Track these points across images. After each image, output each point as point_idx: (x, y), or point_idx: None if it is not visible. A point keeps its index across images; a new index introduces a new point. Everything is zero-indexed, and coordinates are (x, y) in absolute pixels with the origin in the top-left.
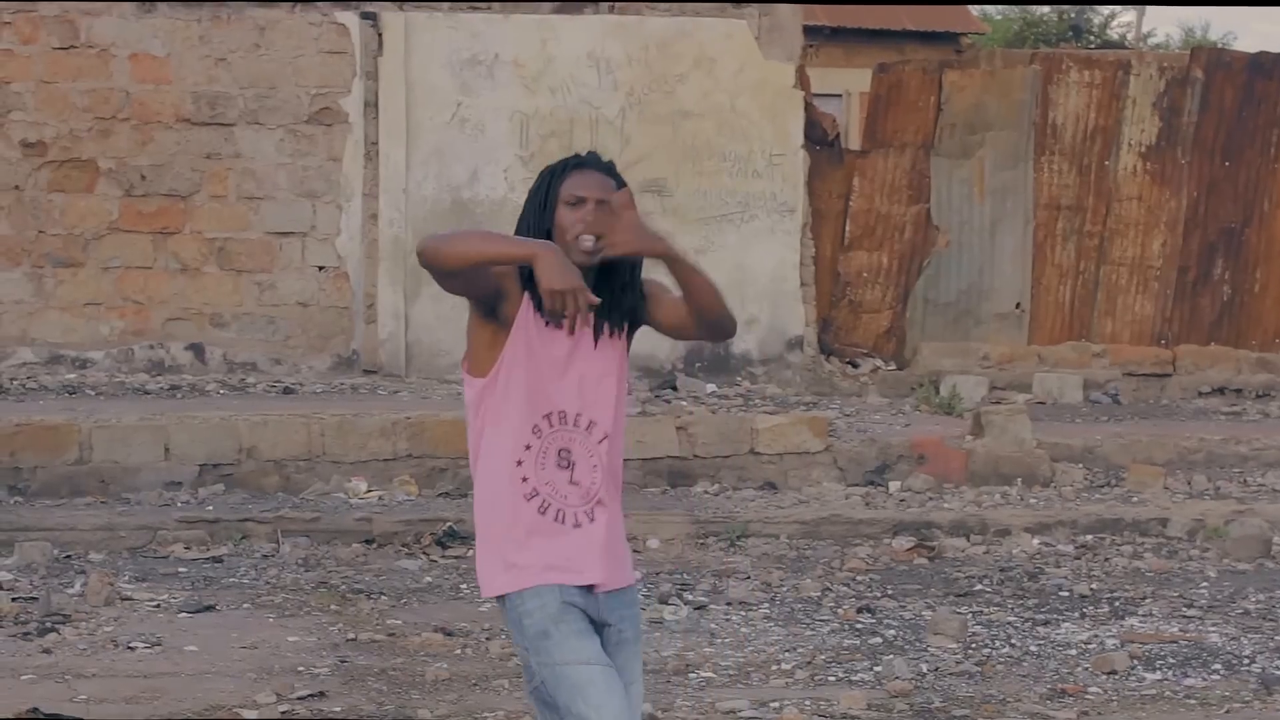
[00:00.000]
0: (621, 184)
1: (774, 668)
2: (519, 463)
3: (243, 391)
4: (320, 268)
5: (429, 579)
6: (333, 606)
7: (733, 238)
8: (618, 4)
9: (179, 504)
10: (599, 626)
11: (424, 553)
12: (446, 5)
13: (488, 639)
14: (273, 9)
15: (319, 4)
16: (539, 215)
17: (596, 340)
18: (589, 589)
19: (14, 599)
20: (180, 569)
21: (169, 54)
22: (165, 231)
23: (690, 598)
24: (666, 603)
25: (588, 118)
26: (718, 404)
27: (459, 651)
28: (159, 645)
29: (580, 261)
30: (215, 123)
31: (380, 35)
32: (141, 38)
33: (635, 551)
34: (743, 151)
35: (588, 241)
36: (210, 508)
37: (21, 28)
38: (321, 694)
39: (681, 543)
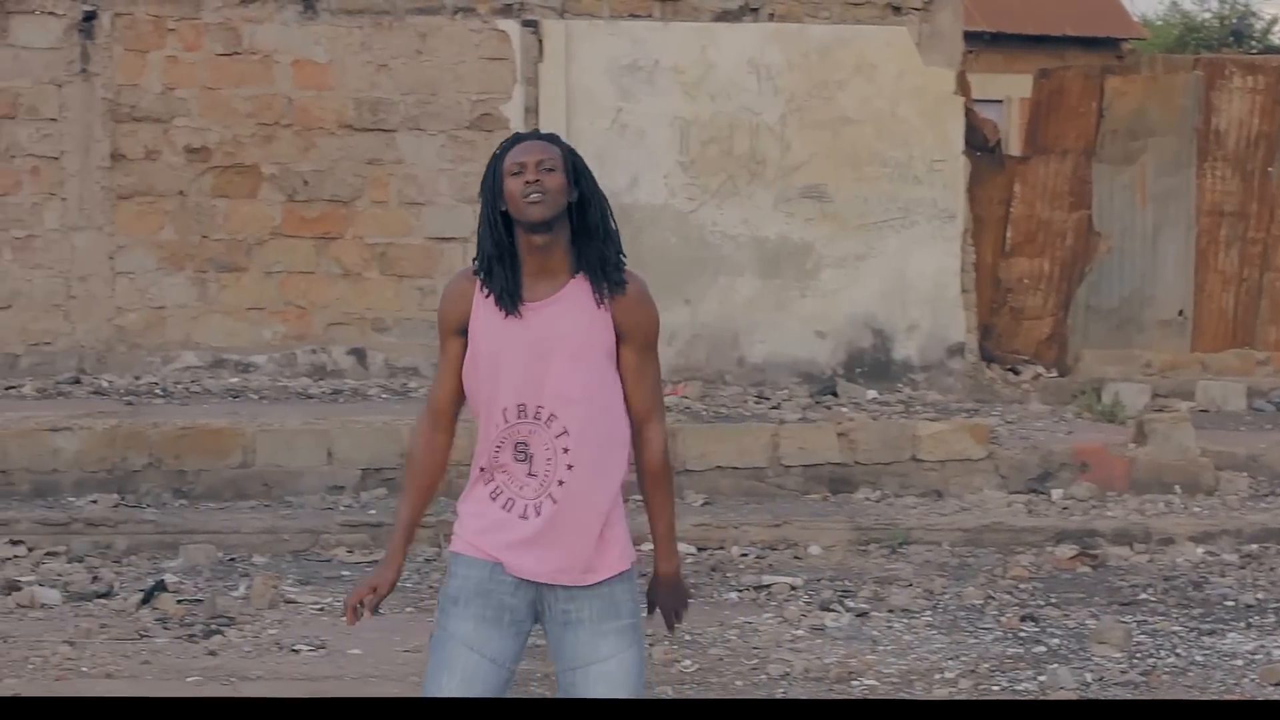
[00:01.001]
0: (568, 148)
1: (937, 676)
2: (489, 453)
3: (404, 396)
4: None
5: None
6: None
7: (893, 244)
8: (778, 12)
9: (341, 508)
10: (535, 612)
11: None
12: (607, 13)
13: (651, 644)
14: (434, 16)
15: (480, 11)
16: (491, 198)
17: (598, 305)
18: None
19: (179, 601)
20: (343, 572)
21: (331, 60)
22: (327, 237)
23: (852, 604)
24: (828, 609)
25: (748, 123)
26: (879, 410)
27: None
28: (323, 648)
29: (533, 215)
30: (377, 129)
31: (541, 41)
32: (304, 44)
33: (796, 558)
34: (903, 157)
35: (535, 197)
36: (372, 511)
37: (186, 35)
38: None
39: (843, 549)
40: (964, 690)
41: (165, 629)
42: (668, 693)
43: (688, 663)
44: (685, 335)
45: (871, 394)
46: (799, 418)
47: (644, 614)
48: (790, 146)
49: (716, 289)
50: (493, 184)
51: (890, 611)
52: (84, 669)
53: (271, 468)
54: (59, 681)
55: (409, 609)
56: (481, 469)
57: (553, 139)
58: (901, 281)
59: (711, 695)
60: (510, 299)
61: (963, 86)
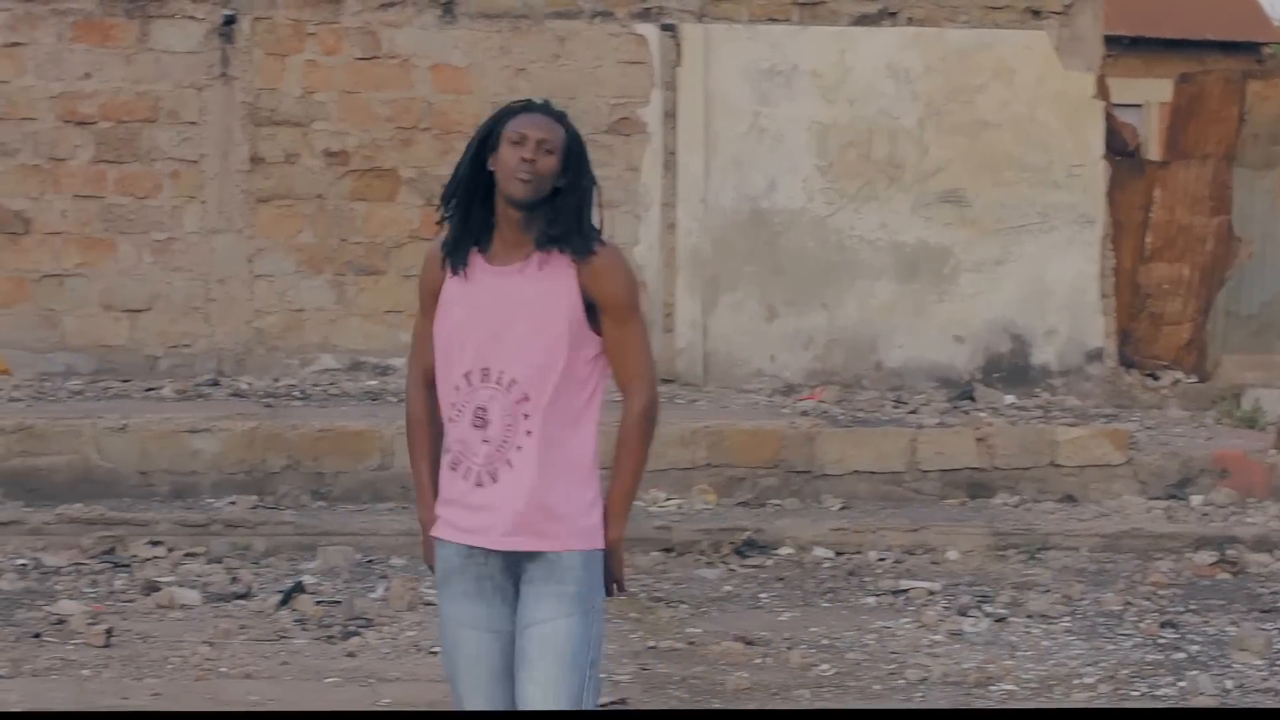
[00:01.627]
0: (574, 133)
1: (1076, 682)
2: (448, 419)
3: None
4: None
5: (728, 588)
6: (632, 614)
7: (1032, 248)
8: (916, 16)
9: None
10: (514, 574)
11: (723, 561)
12: (746, 17)
13: (788, 648)
14: (573, 20)
15: (618, 15)
16: (479, 150)
17: (539, 269)
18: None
19: (317, 602)
20: None
21: (469, 65)
22: None
23: (990, 610)
24: (966, 614)
25: (886, 128)
26: (1017, 415)
27: (759, 661)
28: None
29: (516, 192)
30: None
31: (679, 45)
32: (443, 48)
33: (934, 563)
34: (1042, 162)
35: (524, 174)
36: None
37: (325, 39)
38: (623, 701)
39: (981, 554)
40: (1103, 696)
41: (304, 630)
42: (805, 696)
43: (825, 667)
44: (822, 339)
45: (1009, 399)
46: (937, 422)
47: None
48: (928, 151)
49: (854, 293)
50: (486, 138)
51: (1029, 617)
52: (223, 669)
53: (409, 470)
54: (198, 682)
55: None
56: (445, 435)
57: (561, 118)
58: (1040, 286)
59: (849, 700)
60: (462, 257)
61: (1102, 91)
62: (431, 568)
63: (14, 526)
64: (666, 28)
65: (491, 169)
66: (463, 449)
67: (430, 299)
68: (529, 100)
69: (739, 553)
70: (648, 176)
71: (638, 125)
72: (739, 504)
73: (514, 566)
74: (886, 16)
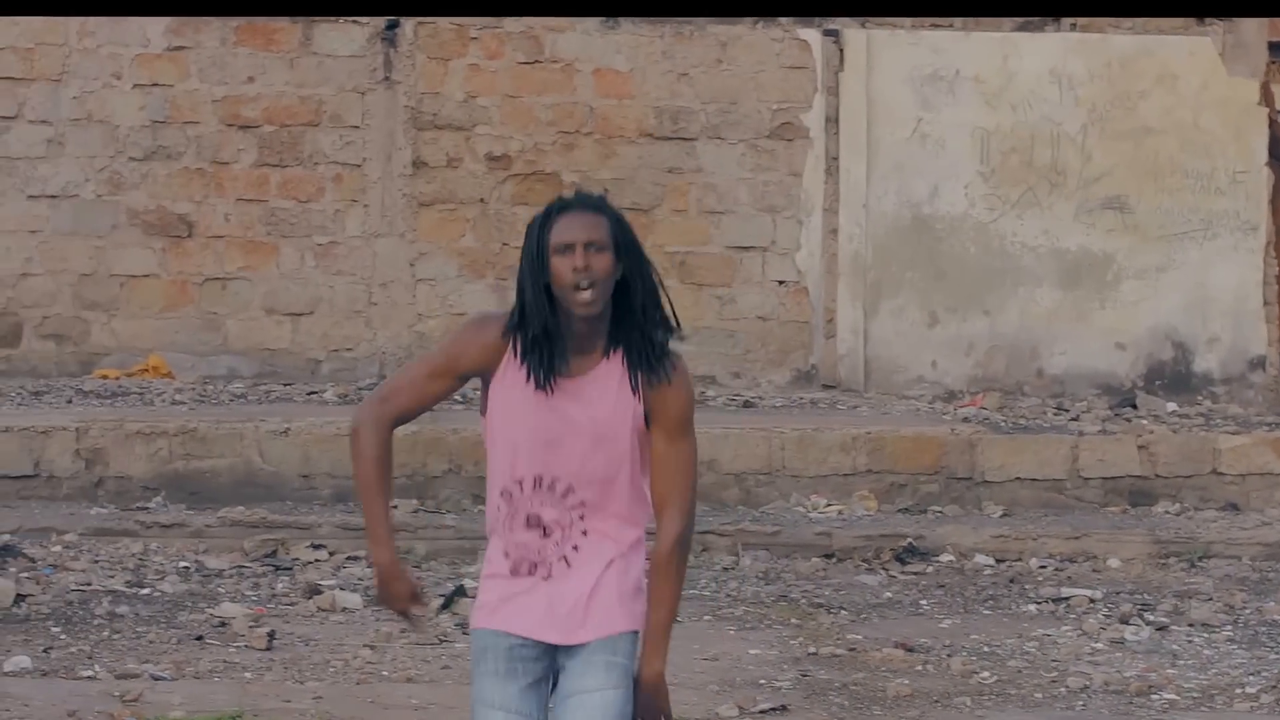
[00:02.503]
0: (615, 217)
1: (1238, 691)
2: (495, 519)
3: (702, 404)
4: (780, 282)
5: (889, 594)
6: (793, 620)
7: (1194, 255)
8: (1080, 22)
9: None
10: (550, 656)
11: (884, 568)
12: (908, 23)
13: (949, 655)
14: (735, 25)
15: (781, 20)
16: (535, 270)
17: (633, 392)
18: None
19: None
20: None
21: (632, 69)
22: None
23: (1151, 618)
24: (1127, 623)
25: (1048, 134)
26: (1178, 423)
27: (920, 668)
28: None
29: (584, 314)
30: (677, 137)
31: (842, 50)
32: (605, 53)
33: (1095, 571)
34: (1205, 169)
35: (585, 293)
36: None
37: (488, 43)
38: (784, 708)
39: (1142, 562)
40: (1265, 706)
41: (464, 634)
42: (966, 704)
43: (986, 674)
44: (984, 346)
45: (1171, 407)
46: (1098, 430)
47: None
48: (1091, 157)
49: (1016, 300)
50: (536, 257)
51: (1190, 625)
52: (384, 673)
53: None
54: (360, 685)
55: (707, 616)
56: (495, 532)
57: (599, 207)
58: (1202, 294)
59: (1010, 708)
60: (548, 379)
61: (1266, 97)
62: (386, 605)
63: (177, 529)
64: (829, 33)
65: (548, 284)
66: (522, 550)
67: (452, 372)
68: (561, 198)
69: (900, 559)
70: (810, 182)
71: (800, 130)
72: (900, 510)
73: (555, 658)
74: (1050, 22)
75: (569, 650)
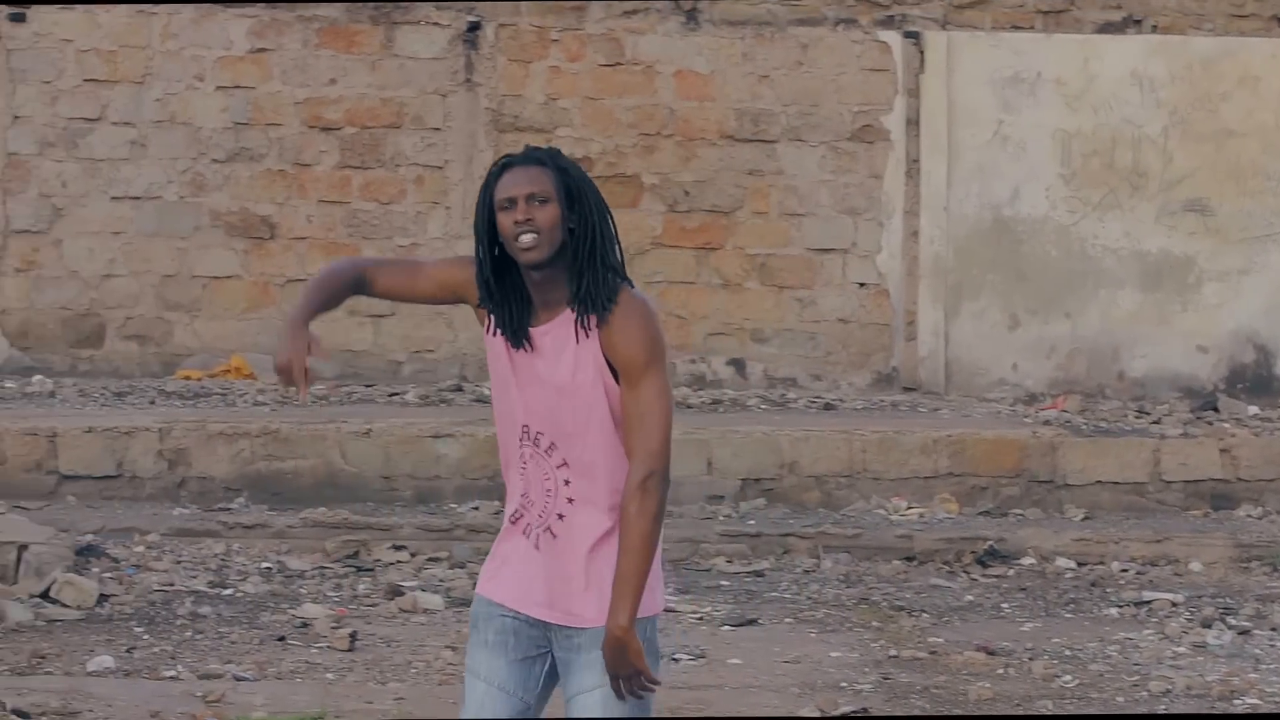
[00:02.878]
0: (561, 168)
1: None
2: (509, 469)
3: (783, 407)
4: (861, 285)
5: (970, 597)
6: (874, 623)
7: (1276, 258)
8: (1161, 24)
9: (720, 518)
10: (545, 639)
11: (965, 571)
12: (989, 24)
13: (1030, 659)
14: (816, 27)
15: (861, 22)
16: (482, 228)
17: (583, 338)
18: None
19: None
20: (722, 582)
21: (712, 71)
22: (707, 247)
23: (1234, 622)
24: (1209, 626)
25: (1129, 136)
26: (1261, 426)
27: (1001, 671)
28: (703, 658)
29: (529, 260)
30: (758, 140)
31: (922, 53)
32: (686, 55)
33: (1176, 574)
34: None
35: (527, 239)
36: (752, 522)
37: (569, 45)
38: (864, 711)
39: (1224, 566)
40: None
41: None
42: (1048, 707)
43: (1068, 678)
44: (1065, 348)
45: (1253, 409)
46: (1180, 433)
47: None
48: (1172, 159)
49: (1097, 302)
50: (485, 217)
51: (1273, 630)
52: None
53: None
54: (441, 686)
55: (788, 619)
56: (511, 485)
57: (542, 159)
58: None
59: (1092, 711)
60: (515, 336)
61: None
62: (279, 371)
63: (259, 530)
64: (910, 35)
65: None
66: (524, 504)
67: (452, 289)
68: (508, 155)
69: (981, 562)
70: (890, 184)
71: (880, 133)
72: (981, 513)
73: (550, 631)
74: (1131, 24)
75: (566, 632)
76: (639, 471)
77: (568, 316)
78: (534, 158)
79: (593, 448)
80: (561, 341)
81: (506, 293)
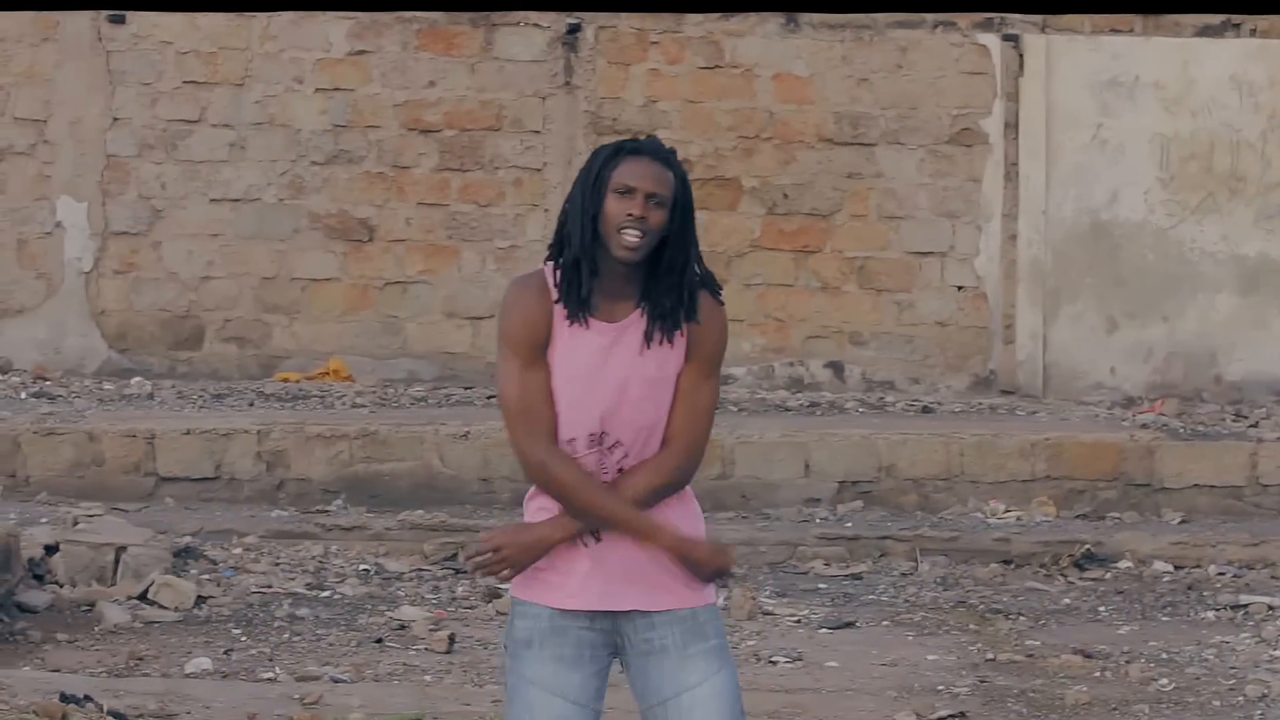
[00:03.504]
0: (682, 175)
1: None
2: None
3: (881, 410)
4: (959, 288)
5: (1067, 600)
6: (971, 626)
7: None
8: (1260, 28)
9: (818, 520)
10: (613, 645)
11: (1062, 574)
12: (1088, 28)
13: (1127, 662)
14: (914, 30)
15: (960, 25)
16: (588, 199)
17: (647, 346)
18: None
19: None
20: (820, 585)
21: (811, 74)
22: (806, 250)
23: None
24: None
25: (1228, 140)
26: None
27: (1098, 674)
28: (800, 660)
29: (623, 257)
30: (856, 143)
31: (1021, 56)
32: (785, 58)
33: (1274, 578)
34: None
35: (632, 237)
36: (849, 525)
37: (668, 48)
38: (962, 714)
39: None
40: None
41: None
42: (1144, 711)
43: (1164, 682)
44: (1162, 352)
45: None
46: (1277, 437)
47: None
48: (1271, 164)
49: (1195, 306)
50: (593, 188)
51: None
52: None
53: (749, 479)
54: None
55: (885, 622)
56: (536, 497)
57: (668, 159)
58: None
59: (1189, 716)
60: (582, 307)
61: None
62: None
63: (357, 532)
64: (1009, 38)
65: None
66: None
67: (536, 348)
68: (635, 140)
69: (1078, 565)
70: (989, 187)
71: (979, 136)
72: (1078, 516)
73: (618, 633)
74: (1230, 28)
75: (656, 621)
76: (675, 460)
77: (641, 313)
78: (661, 155)
79: (657, 440)
80: (645, 337)
81: (586, 270)
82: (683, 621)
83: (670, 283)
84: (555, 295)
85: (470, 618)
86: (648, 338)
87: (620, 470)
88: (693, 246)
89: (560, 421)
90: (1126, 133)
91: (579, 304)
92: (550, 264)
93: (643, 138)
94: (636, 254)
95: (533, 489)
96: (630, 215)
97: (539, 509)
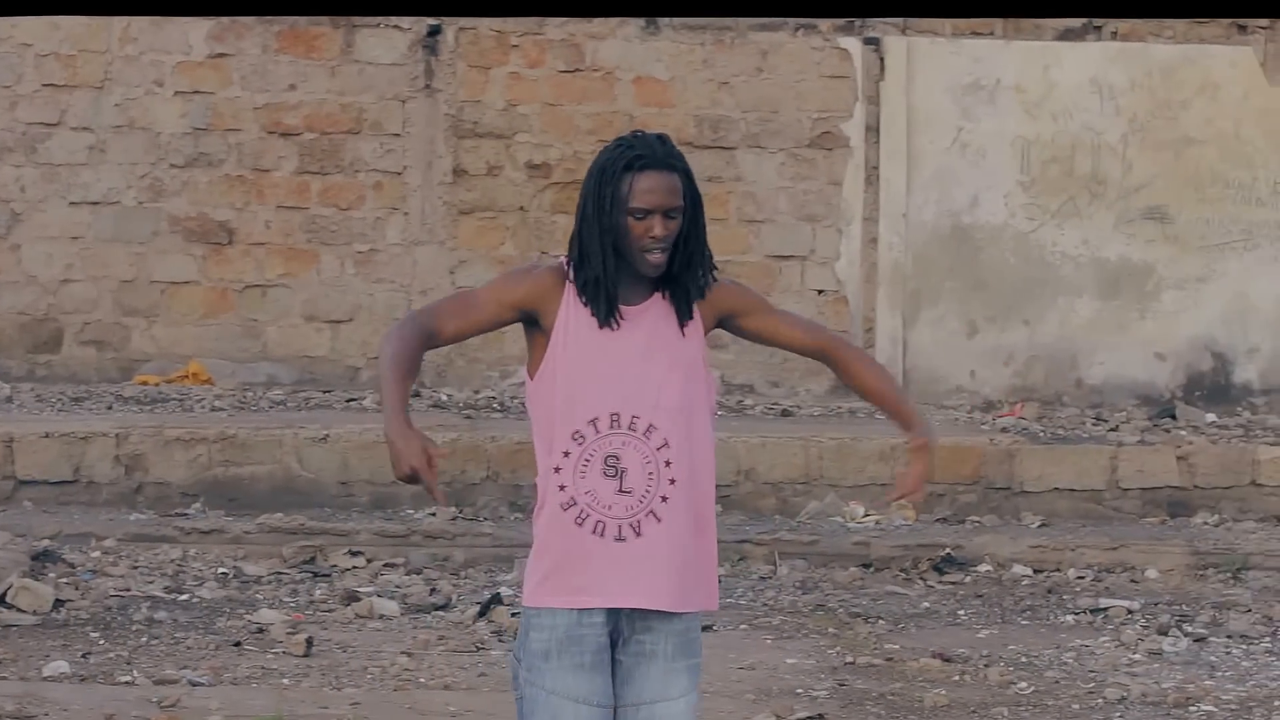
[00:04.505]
0: (686, 171)
1: (1277, 703)
2: (556, 469)
3: (740, 413)
4: (819, 291)
5: (926, 604)
6: (830, 629)
7: (1234, 266)
8: (1121, 31)
9: None
10: (619, 641)
11: (921, 578)
12: (949, 31)
13: (986, 665)
14: (775, 33)
15: (821, 29)
16: (604, 218)
17: (682, 328)
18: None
19: (514, 614)
20: None
21: (672, 78)
22: None
23: (1190, 630)
24: (1165, 634)
25: (1089, 143)
26: (1217, 434)
27: (957, 678)
28: None
29: (651, 273)
30: (717, 146)
31: (882, 60)
32: (645, 61)
33: (1133, 581)
34: (1246, 179)
35: (657, 257)
36: None
37: (529, 51)
38: (820, 717)
39: (1180, 574)
40: None
41: (500, 641)
42: (1003, 714)
43: (1024, 685)
44: (1023, 356)
45: (1210, 417)
46: (1137, 440)
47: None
48: (1132, 167)
49: (1055, 310)
50: (609, 211)
51: (1229, 637)
52: (421, 680)
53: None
54: (397, 692)
55: (744, 625)
56: (562, 488)
57: (678, 166)
58: (1243, 304)
59: (1047, 719)
60: (611, 314)
61: None
62: (397, 468)
63: (215, 535)
64: (870, 41)
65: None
66: (591, 500)
67: (509, 305)
68: (638, 151)
69: (937, 569)
70: (849, 191)
71: (840, 139)
72: (938, 520)
73: (617, 631)
74: (1091, 31)
75: (655, 623)
76: (850, 347)
77: (663, 296)
78: (673, 165)
79: (695, 425)
80: (668, 319)
81: (610, 280)
82: (678, 634)
83: (689, 265)
84: (575, 290)
85: (328, 621)
86: (680, 319)
87: (668, 463)
88: (703, 231)
89: (577, 403)
90: (987, 136)
91: (609, 314)
92: (568, 259)
93: (639, 139)
94: (662, 268)
95: (540, 502)
96: (653, 237)
97: (549, 521)
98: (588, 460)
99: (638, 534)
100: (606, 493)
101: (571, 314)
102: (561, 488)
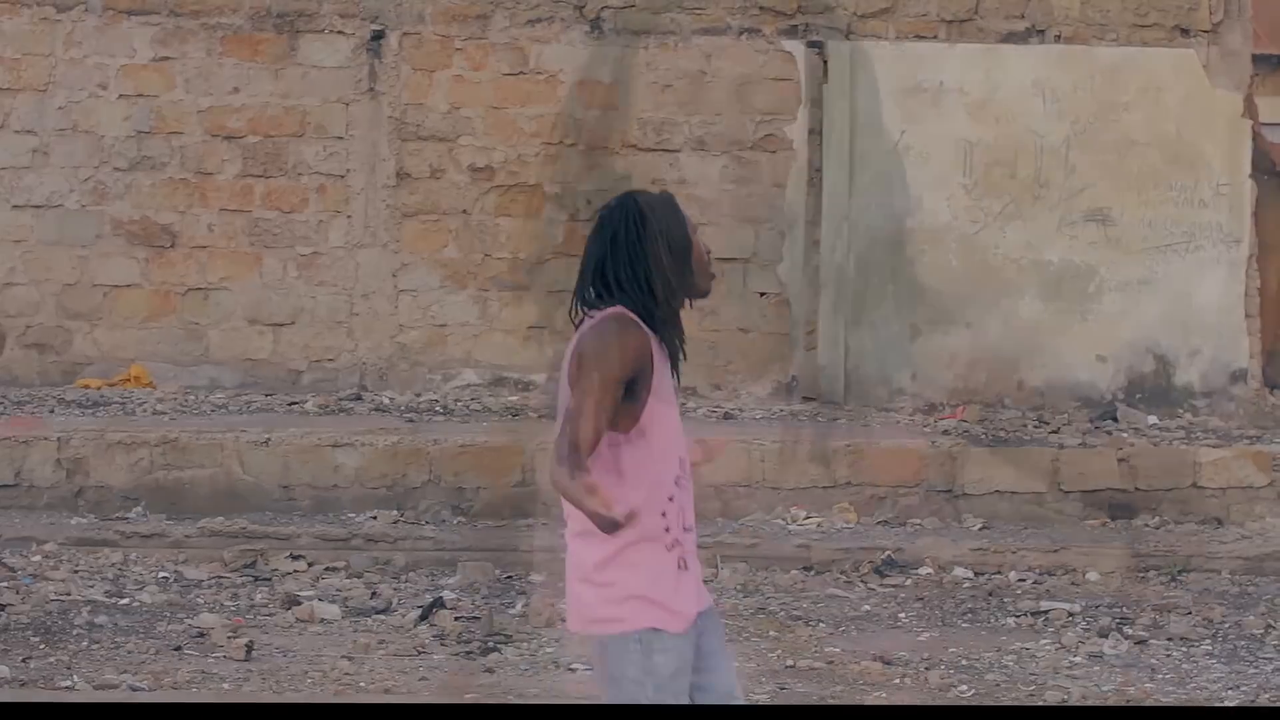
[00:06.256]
0: None
1: (1216, 705)
2: (663, 514)
3: (682, 416)
4: (761, 294)
5: (867, 607)
6: (771, 633)
7: (1177, 268)
8: (1064, 34)
9: None
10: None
11: (862, 581)
12: (893, 34)
13: (927, 669)
14: (719, 37)
15: (765, 32)
16: (686, 251)
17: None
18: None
19: (457, 618)
20: None
21: (615, 81)
22: None
23: (1130, 632)
24: (1106, 636)
25: (1032, 146)
26: (1159, 436)
27: (898, 681)
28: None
29: (710, 287)
30: (660, 149)
31: (825, 63)
32: (589, 64)
33: (1074, 584)
34: (1189, 181)
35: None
36: None
37: (473, 54)
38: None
39: (1121, 576)
40: None
41: (442, 645)
42: None
43: (964, 688)
44: (965, 358)
45: (1152, 419)
46: (1079, 442)
47: None
48: (1075, 170)
49: (997, 312)
50: (689, 241)
51: (1169, 640)
52: (362, 684)
53: (549, 486)
54: (337, 696)
55: None
56: (668, 529)
57: None
58: (1185, 306)
59: None
60: (682, 346)
61: (1250, 110)
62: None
63: (156, 539)
64: (813, 45)
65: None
66: (684, 538)
67: (622, 382)
68: (664, 193)
69: (878, 572)
70: (792, 194)
71: (783, 142)
72: (879, 523)
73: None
74: (1034, 34)
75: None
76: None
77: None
78: None
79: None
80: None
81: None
82: (718, 627)
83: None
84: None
85: (269, 625)
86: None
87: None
88: None
89: (669, 455)
90: (931, 139)
91: (681, 341)
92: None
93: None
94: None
95: (579, 522)
96: (709, 252)
97: (654, 557)
98: (683, 509)
99: (688, 565)
100: (688, 535)
101: (660, 365)
102: (667, 530)
